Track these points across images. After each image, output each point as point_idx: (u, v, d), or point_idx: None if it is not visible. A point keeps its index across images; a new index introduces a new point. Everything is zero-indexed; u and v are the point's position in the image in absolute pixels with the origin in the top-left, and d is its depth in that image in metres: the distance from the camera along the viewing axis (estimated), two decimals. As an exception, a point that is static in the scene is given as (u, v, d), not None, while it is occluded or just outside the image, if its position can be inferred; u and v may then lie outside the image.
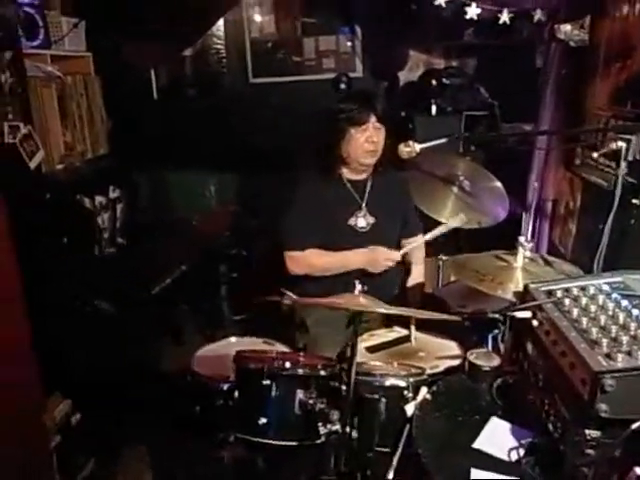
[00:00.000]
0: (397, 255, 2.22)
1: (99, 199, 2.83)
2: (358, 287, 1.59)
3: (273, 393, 1.62)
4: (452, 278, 2.64)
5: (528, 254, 1.80)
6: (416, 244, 2.34)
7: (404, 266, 2.40)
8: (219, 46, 3.92)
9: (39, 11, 2.52)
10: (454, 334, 1.95)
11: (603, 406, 1.05)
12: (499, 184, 2.55)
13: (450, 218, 2.28)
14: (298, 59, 3.89)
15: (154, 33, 2.75)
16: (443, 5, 2.42)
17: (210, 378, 1.86)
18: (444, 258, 2.66)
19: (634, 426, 0.98)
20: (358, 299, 1.59)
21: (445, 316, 1.72)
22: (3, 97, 2.12)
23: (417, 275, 2.44)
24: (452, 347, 1.91)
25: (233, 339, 2.16)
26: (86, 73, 2.96)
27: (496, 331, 1.97)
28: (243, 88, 3.91)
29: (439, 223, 2.38)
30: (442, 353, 1.86)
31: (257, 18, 3.85)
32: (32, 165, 2.26)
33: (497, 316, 1.88)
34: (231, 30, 3.86)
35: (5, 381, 1.74)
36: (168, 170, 3.90)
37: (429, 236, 2.25)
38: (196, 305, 3.42)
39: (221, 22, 3.79)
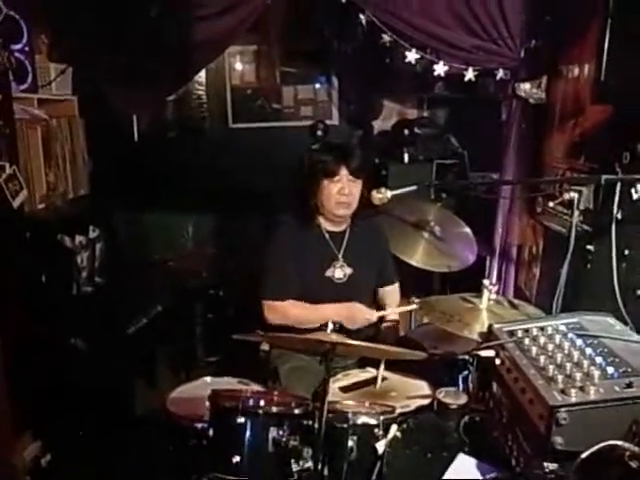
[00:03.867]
0: (374, 317, 2.23)
1: (79, 239, 2.83)
2: (330, 326, 1.66)
3: (247, 431, 1.63)
4: (425, 320, 2.72)
5: (493, 296, 1.88)
6: (393, 315, 2.38)
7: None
8: (200, 92, 4.02)
9: (29, 57, 2.60)
10: (425, 375, 1.99)
11: (558, 439, 1.11)
12: (468, 230, 2.68)
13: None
14: (277, 106, 4.02)
15: (139, 80, 2.83)
16: (413, 62, 2.60)
17: (184, 418, 1.85)
18: (416, 301, 2.73)
19: (583, 455, 1.05)
20: (330, 336, 1.65)
21: (415, 353, 1.78)
22: (-10, 138, 2.17)
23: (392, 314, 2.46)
24: (423, 387, 1.95)
25: (208, 379, 2.15)
26: (71, 116, 3.03)
27: (466, 372, 2.02)
28: (223, 132, 4.01)
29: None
30: (413, 393, 1.90)
31: (238, 66, 3.98)
32: (15, 204, 2.28)
33: (466, 357, 1.94)
34: (212, 77, 3.97)
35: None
36: (147, 211, 3.92)
37: (398, 310, 2.40)
38: (171, 345, 3.40)
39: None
